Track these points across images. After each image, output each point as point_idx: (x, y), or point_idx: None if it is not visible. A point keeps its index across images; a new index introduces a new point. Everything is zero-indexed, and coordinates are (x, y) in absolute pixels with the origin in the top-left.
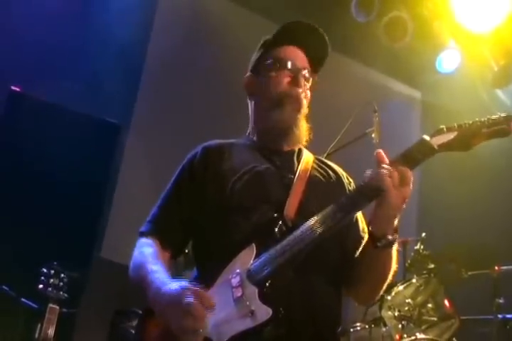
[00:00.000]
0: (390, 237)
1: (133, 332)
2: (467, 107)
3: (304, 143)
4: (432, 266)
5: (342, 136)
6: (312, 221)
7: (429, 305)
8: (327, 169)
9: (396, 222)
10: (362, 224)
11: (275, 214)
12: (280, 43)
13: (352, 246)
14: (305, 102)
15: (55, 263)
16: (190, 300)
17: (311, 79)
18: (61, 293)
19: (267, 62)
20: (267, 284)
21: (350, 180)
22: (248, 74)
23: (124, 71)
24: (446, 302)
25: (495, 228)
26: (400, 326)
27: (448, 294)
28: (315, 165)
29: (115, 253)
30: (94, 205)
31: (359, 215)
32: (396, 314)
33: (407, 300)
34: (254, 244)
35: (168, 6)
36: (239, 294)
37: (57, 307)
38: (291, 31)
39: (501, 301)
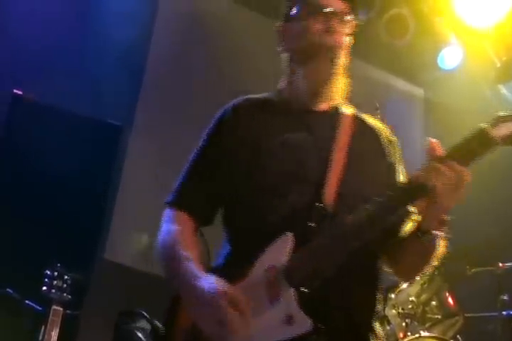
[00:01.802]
0: (435, 232)
1: (138, 333)
2: (470, 104)
3: (341, 100)
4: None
5: None
6: (356, 219)
7: (433, 303)
8: (369, 132)
9: (445, 217)
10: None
11: (313, 197)
12: None
13: (394, 227)
14: (342, 52)
15: (58, 265)
16: (225, 309)
17: (348, 23)
18: (65, 294)
19: (296, 8)
20: (306, 286)
21: (393, 139)
22: (280, 22)
23: (125, 72)
24: (450, 300)
25: (498, 225)
26: (403, 324)
27: (452, 291)
28: (356, 128)
29: (119, 254)
30: (98, 207)
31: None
32: (400, 312)
33: (410, 298)
34: (290, 234)
35: (169, 8)
36: (276, 295)
37: (61, 309)
38: None
39: (505, 298)
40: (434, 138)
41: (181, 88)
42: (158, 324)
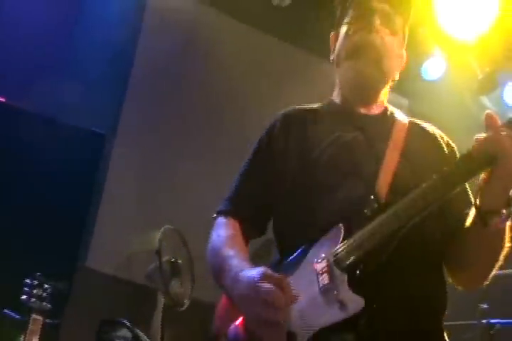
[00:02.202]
0: (504, 212)
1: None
2: (453, 114)
3: (385, 103)
4: None
5: None
6: (409, 196)
7: None
8: (425, 135)
9: (511, 192)
10: (467, 196)
11: (365, 191)
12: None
13: (455, 222)
14: (386, 53)
15: (38, 273)
16: (269, 288)
17: (394, 24)
18: (44, 303)
19: (347, 14)
20: (358, 271)
21: (453, 145)
22: (332, 32)
23: (110, 80)
24: None
25: None
26: None
27: None
28: (410, 131)
29: (100, 263)
30: (80, 215)
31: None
32: None
33: None
34: (341, 225)
35: (155, 17)
36: (325, 281)
37: (41, 318)
38: None
39: (485, 306)
40: None
41: (166, 97)
42: (140, 333)
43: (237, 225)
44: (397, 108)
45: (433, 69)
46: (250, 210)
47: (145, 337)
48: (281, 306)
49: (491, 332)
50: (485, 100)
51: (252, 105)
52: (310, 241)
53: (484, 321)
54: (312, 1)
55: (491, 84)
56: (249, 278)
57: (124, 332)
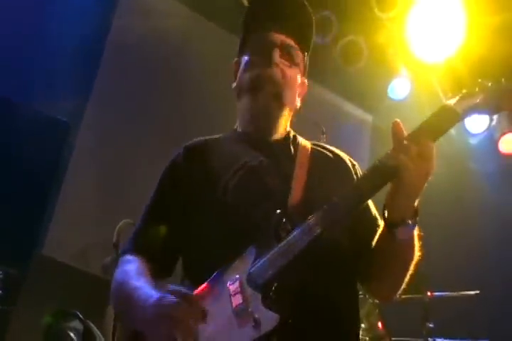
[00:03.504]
0: (409, 222)
1: (70, 333)
2: None
3: (288, 129)
4: None
5: None
6: (318, 213)
7: (363, 326)
8: (328, 153)
9: (416, 203)
10: (373, 210)
11: (278, 211)
12: (255, 29)
13: (366, 236)
14: (286, 85)
15: None
16: (175, 301)
17: (293, 57)
18: None
19: (244, 46)
20: (272, 288)
21: (355, 162)
22: (235, 59)
23: (78, 69)
24: (379, 324)
25: (428, 257)
26: None
27: (381, 316)
28: (314, 151)
29: (58, 251)
30: (39, 202)
31: (369, 201)
32: None
33: None
34: (253, 247)
35: (127, 5)
36: (238, 302)
37: None
38: (261, 15)
39: (431, 325)
40: None
41: (133, 88)
42: (92, 325)
43: (143, 262)
44: (360, 123)
45: (399, 89)
46: (153, 249)
47: (96, 330)
48: (189, 325)
49: None
50: None
51: (217, 100)
52: (224, 265)
53: (430, 339)
54: None
55: None
56: (157, 299)
57: (76, 324)
